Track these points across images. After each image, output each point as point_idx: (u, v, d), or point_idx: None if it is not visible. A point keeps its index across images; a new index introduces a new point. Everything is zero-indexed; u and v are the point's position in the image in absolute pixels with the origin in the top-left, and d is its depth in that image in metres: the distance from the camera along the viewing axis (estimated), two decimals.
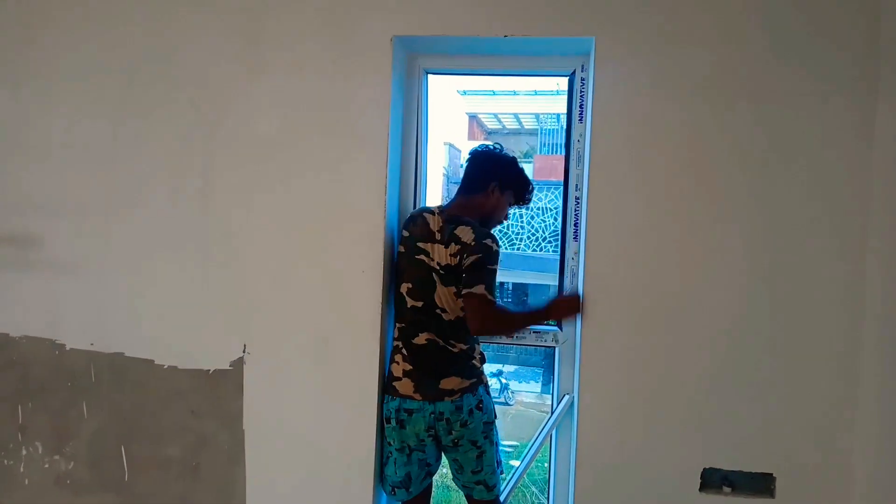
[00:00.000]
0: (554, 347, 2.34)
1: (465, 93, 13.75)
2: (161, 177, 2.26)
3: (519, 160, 2.22)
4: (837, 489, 2.00)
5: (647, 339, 2.08)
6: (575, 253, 2.29)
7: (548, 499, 2.39)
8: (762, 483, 2.03)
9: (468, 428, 2.03)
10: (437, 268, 2.03)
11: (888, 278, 1.89)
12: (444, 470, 2.15)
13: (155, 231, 2.27)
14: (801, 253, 2.00)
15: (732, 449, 2.05)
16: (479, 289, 1.96)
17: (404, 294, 2.09)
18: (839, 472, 2.00)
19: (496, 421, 2.14)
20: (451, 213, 2.10)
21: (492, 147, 2.23)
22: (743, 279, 2.03)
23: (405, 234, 2.12)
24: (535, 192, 2.25)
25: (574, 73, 2.28)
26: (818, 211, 1.99)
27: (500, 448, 2.20)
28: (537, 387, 11.56)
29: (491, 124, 15.58)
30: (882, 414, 1.88)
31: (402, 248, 2.12)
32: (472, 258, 1.98)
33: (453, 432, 2.03)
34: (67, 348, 2.31)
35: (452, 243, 2.01)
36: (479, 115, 14.91)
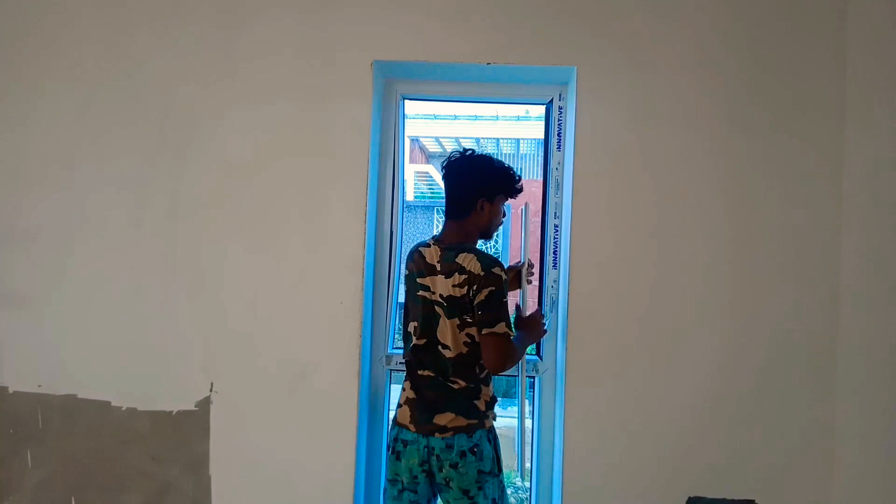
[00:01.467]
0: (534, 377, 2.31)
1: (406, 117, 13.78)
2: (121, 201, 2.11)
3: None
4: None
5: (631, 369, 2.07)
6: (554, 281, 2.27)
7: None
8: None
9: (458, 472, 1.85)
10: (440, 300, 1.90)
11: (860, 309, 1.95)
12: None
13: (113, 260, 2.11)
14: (782, 283, 2.05)
15: (716, 477, 2.05)
16: (501, 327, 1.83)
17: (411, 333, 1.97)
18: (819, 498, 2.03)
19: (502, 476, 1.93)
20: (448, 242, 1.96)
21: (465, 154, 1.96)
22: (728, 309, 2.05)
23: (405, 272, 2.02)
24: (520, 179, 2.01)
25: (551, 101, 2.28)
26: (797, 241, 2.04)
27: None
28: None
29: (432, 147, 15.64)
30: (860, 440, 1.93)
31: (405, 288, 2.02)
32: (486, 291, 1.84)
33: (443, 470, 1.88)
34: (10, 391, 2.11)
35: (456, 273, 1.86)
36: (421, 139, 14.94)
